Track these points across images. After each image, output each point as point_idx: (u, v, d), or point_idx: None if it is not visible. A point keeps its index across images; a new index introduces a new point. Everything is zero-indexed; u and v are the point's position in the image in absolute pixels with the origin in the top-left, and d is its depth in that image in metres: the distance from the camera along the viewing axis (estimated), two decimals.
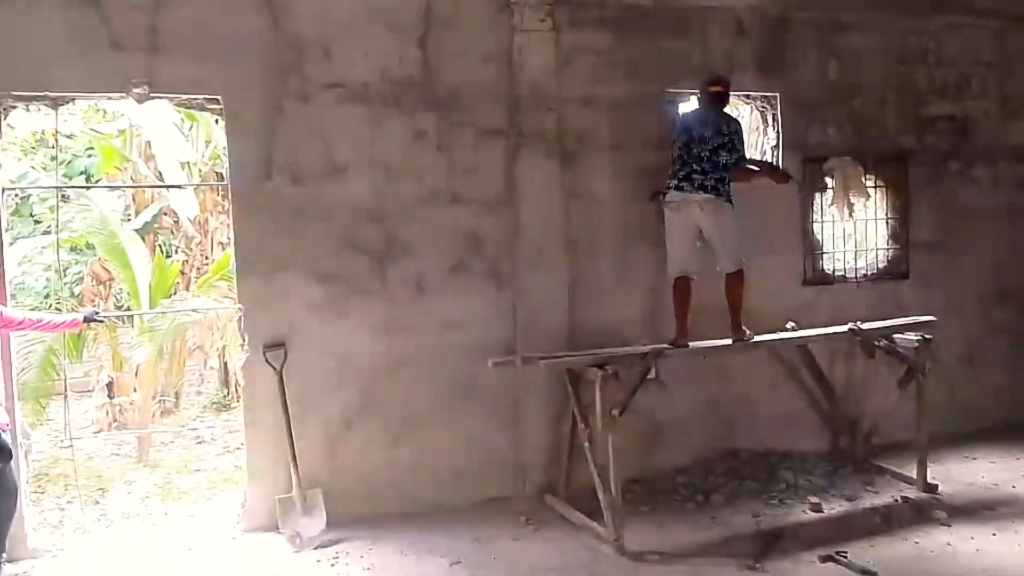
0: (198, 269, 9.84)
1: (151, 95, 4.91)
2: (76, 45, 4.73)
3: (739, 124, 5.44)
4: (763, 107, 6.28)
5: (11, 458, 4.26)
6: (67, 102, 5.02)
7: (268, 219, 5.11)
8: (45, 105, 4.92)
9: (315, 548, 4.78)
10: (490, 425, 5.54)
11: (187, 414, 9.19)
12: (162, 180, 9.02)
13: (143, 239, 8.74)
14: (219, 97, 5.03)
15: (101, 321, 5.26)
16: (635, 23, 5.77)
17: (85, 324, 4.95)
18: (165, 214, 9.71)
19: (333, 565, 4.58)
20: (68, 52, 4.73)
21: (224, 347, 8.70)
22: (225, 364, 9.24)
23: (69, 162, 10.20)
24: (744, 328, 5.39)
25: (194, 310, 7.89)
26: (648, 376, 5.03)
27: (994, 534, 4.71)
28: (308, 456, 5.09)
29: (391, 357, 5.34)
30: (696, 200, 5.20)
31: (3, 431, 4.27)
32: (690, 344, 5.33)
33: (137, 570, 4.60)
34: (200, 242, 9.97)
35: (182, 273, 9.60)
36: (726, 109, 5.53)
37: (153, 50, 4.84)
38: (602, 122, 5.75)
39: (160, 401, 8.67)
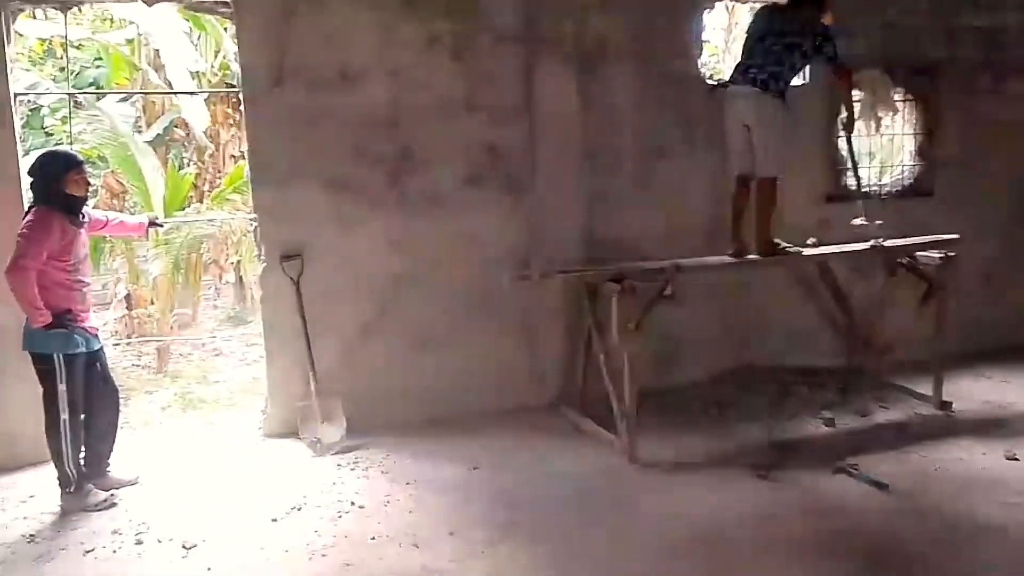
0: (211, 182, 9.79)
1: None
2: None
3: (829, 32, 5.02)
4: None
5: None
6: (75, 5, 4.87)
7: (282, 128, 5.01)
8: (53, 8, 4.80)
9: (334, 454, 4.87)
10: (505, 336, 5.56)
11: (204, 327, 9.28)
12: (173, 89, 8.88)
13: (155, 151, 8.66)
14: (229, 0, 4.88)
15: (161, 226, 5.34)
16: None
17: (150, 227, 4.91)
18: (176, 126, 9.60)
19: (353, 469, 4.67)
20: None
21: (239, 262, 8.73)
22: (240, 279, 9.29)
23: (78, 73, 10.04)
24: (777, 240, 5.24)
25: (211, 221, 7.88)
26: (664, 293, 4.98)
27: (1006, 451, 4.73)
28: (326, 365, 5.12)
29: (406, 268, 5.32)
30: (742, 93, 4.98)
31: (94, 335, 4.36)
32: (745, 255, 5.22)
33: (160, 472, 4.70)
34: (212, 154, 9.88)
35: (195, 186, 9.54)
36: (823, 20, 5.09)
37: None
38: (623, 29, 5.55)
39: (177, 315, 8.75)
